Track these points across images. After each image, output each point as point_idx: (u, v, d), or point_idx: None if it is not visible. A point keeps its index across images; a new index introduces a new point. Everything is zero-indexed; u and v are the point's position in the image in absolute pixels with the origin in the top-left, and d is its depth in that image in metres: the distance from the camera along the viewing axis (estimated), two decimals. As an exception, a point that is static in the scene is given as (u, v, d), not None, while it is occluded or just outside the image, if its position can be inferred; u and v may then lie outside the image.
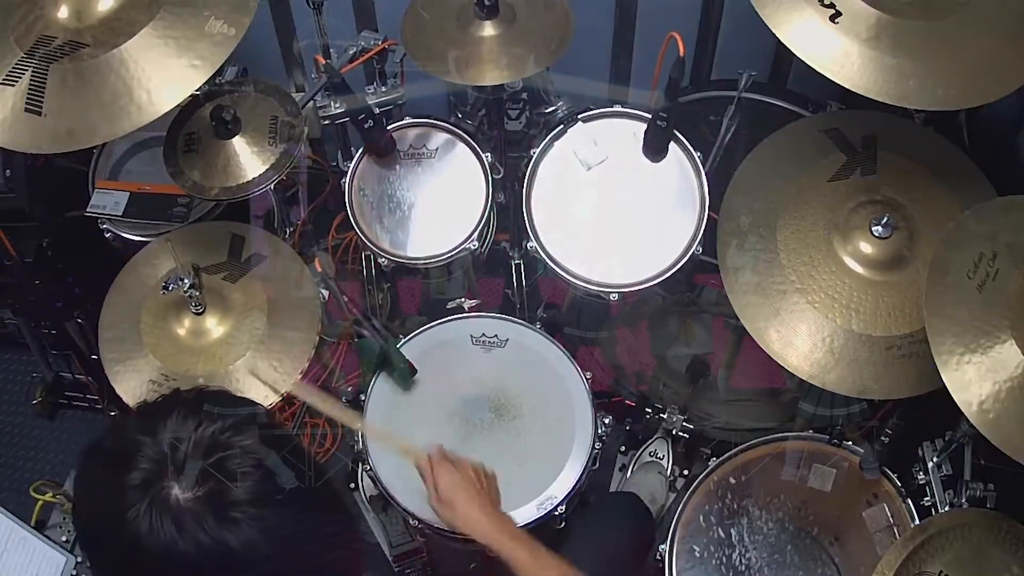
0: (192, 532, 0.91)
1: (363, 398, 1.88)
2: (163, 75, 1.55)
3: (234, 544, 0.92)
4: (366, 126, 1.88)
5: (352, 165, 1.97)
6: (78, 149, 1.59)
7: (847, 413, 1.95)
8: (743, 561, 1.85)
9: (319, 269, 1.92)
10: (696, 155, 1.87)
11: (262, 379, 1.77)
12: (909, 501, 1.78)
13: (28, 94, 1.55)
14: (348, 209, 1.94)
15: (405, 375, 1.87)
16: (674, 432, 2.15)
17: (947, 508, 1.70)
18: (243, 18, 1.57)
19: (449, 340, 1.94)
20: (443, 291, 2.15)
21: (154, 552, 0.91)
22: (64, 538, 1.89)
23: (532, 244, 1.87)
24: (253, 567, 0.93)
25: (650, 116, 1.87)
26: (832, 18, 1.51)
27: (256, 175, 1.76)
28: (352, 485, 2.21)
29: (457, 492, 1.49)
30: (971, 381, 1.37)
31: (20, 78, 1.56)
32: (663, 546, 1.84)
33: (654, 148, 1.88)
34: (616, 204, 1.90)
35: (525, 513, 1.75)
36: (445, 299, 2.10)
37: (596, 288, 1.84)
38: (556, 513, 1.76)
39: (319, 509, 1.02)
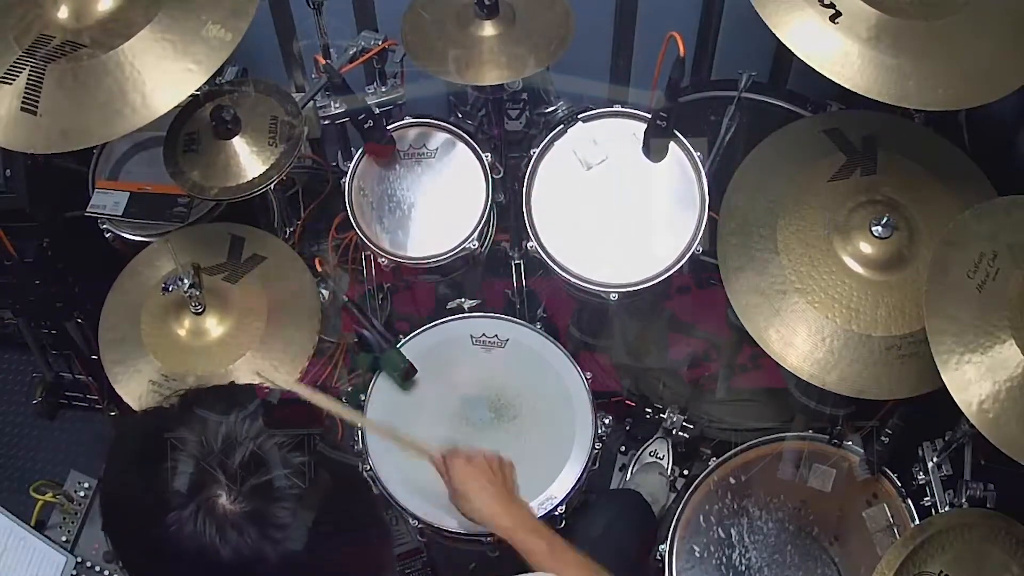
0: (233, 541, 0.88)
1: (363, 398, 1.88)
2: (158, 78, 1.55)
3: (272, 557, 0.89)
4: (366, 126, 1.88)
5: (352, 165, 1.97)
6: (74, 150, 1.58)
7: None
8: (743, 561, 1.85)
9: (319, 269, 1.92)
10: (696, 155, 1.87)
11: (265, 378, 1.77)
12: (909, 501, 1.78)
13: (25, 93, 1.54)
14: (348, 209, 1.94)
15: (405, 375, 1.87)
16: (674, 432, 2.15)
17: (947, 508, 1.70)
18: (240, 23, 1.57)
19: (449, 340, 1.94)
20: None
21: (191, 553, 0.89)
22: (64, 538, 1.89)
23: (532, 244, 1.87)
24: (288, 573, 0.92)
25: (650, 116, 1.87)
26: (832, 18, 1.51)
27: (256, 175, 1.76)
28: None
29: (470, 483, 1.47)
30: (971, 381, 1.37)
31: (17, 77, 1.56)
32: (663, 546, 1.84)
33: (654, 148, 1.88)
34: (616, 204, 1.89)
35: (525, 513, 1.74)
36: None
37: (596, 288, 1.84)
38: (556, 514, 1.76)
39: (359, 519, 0.99)
